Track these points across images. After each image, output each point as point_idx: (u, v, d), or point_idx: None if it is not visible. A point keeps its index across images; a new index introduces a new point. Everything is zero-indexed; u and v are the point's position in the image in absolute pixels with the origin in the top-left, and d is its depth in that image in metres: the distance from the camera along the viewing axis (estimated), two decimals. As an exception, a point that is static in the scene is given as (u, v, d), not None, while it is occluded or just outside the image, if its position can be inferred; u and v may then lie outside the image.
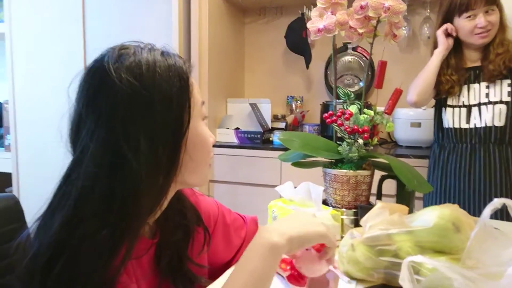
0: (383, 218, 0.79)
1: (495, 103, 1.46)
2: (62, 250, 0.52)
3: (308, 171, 1.10)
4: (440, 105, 1.58)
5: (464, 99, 1.51)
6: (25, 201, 2.32)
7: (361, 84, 2.28)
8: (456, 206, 0.75)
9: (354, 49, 2.26)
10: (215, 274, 0.81)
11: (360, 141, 0.97)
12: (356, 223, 1.00)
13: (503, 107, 1.45)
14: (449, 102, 1.53)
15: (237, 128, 2.19)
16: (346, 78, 2.29)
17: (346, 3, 0.99)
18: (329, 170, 1.02)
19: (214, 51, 2.14)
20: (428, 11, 2.15)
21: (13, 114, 2.35)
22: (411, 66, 2.26)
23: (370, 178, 1.02)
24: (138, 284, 0.62)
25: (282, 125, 2.26)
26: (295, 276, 0.61)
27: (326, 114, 1.01)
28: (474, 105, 1.49)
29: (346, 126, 0.99)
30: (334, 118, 1.00)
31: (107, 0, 2.12)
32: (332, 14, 0.98)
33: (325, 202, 1.06)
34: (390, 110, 1.01)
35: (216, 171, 2.07)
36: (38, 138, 2.32)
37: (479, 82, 1.50)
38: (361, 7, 0.95)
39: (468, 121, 1.50)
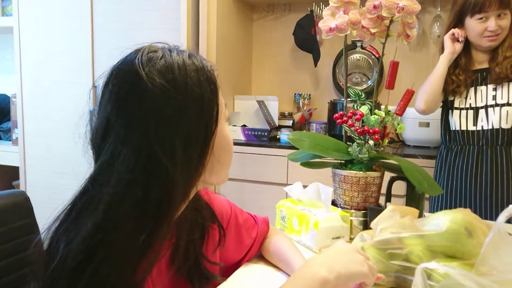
0: (394, 221, 0.78)
1: (502, 105, 1.46)
2: (93, 255, 0.51)
3: (315, 170, 1.10)
4: (447, 107, 1.58)
5: (471, 101, 1.50)
6: (32, 194, 2.32)
7: (370, 82, 2.26)
8: (468, 210, 0.75)
9: (363, 47, 2.25)
10: (224, 273, 0.82)
11: (371, 142, 0.96)
12: (365, 225, 0.99)
13: (510, 109, 1.45)
14: (456, 104, 1.52)
15: (244, 125, 2.18)
16: (355, 76, 2.28)
17: (359, 2, 0.98)
18: (338, 171, 1.01)
19: (222, 48, 2.13)
20: (439, 9, 2.13)
21: (21, 107, 2.36)
22: (421, 65, 2.24)
23: (380, 179, 1.01)
24: (153, 284, 0.62)
25: (289, 122, 2.25)
26: None
27: (336, 115, 1.00)
28: (481, 108, 1.48)
29: (357, 127, 0.98)
30: (345, 118, 0.99)
31: (115, -5, 2.12)
32: (344, 13, 0.97)
33: (334, 203, 1.06)
34: (401, 112, 1.00)
35: (222, 168, 2.07)
36: (46, 132, 2.32)
37: (486, 85, 1.49)
38: (374, 7, 0.94)
39: (475, 124, 1.49)
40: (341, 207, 1.03)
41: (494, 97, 1.47)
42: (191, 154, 0.57)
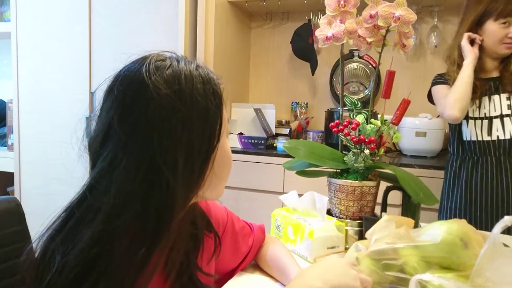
0: (389, 231, 0.77)
1: None
2: (91, 268, 0.50)
3: (311, 178, 1.09)
4: None
5: (485, 110, 1.47)
6: (27, 200, 2.34)
7: (367, 91, 2.26)
8: (464, 221, 0.74)
9: (360, 56, 2.26)
10: (219, 281, 0.81)
11: (367, 151, 0.96)
12: (361, 234, 0.98)
13: None
14: (469, 114, 1.49)
15: (241, 133, 2.18)
16: (352, 85, 2.28)
17: (355, 12, 0.98)
18: (334, 180, 1.00)
19: (219, 55, 2.13)
20: (436, 20, 2.14)
21: (17, 113, 2.35)
22: (418, 75, 2.25)
23: (375, 189, 1.00)
24: None
25: (286, 131, 2.25)
26: None
27: (332, 124, 0.99)
28: (496, 117, 1.46)
29: (353, 136, 0.97)
30: (341, 127, 0.98)
31: (113, 0, 2.12)
32: (341, 22, 0.97)
33: (329, 212, 1.05)
34: (397, 121, 1.00)
35: (218, 176, 2.06)
36: (41, 137, 2.31)
37: (499, 94, 1.47)
38: (371, 16, 0.94)
39: (490, 133, 1.46)
40: (336, 217, 1.02)
41: (509, 106, 1.44)
42: (193, 167, 0.57)
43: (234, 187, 2.02)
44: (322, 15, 1.00)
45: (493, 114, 1.47)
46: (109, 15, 2.14)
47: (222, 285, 0.79)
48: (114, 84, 0.58)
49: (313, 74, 2.28)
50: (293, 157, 1.04)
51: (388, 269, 0.72)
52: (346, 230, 0.98)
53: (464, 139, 1.52)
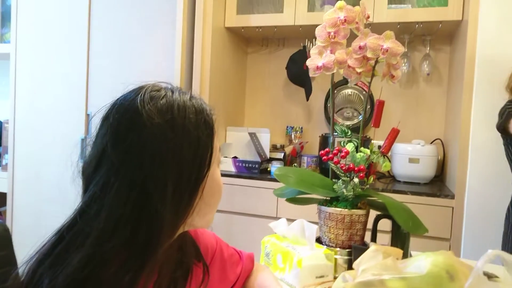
0: (376, 261, 0.77)
1: None
2: None
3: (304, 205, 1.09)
4: None
5: None
6: (18, 219, 2.32)
7: (361, 117, 2.29)
8: (450, 252, 0.74)
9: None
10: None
11: (356, 179, 0.97)
12: (350, 264, 0.98)
13: None
14: None
15: (235, 157, 2.18)
16: (346, 111, 2.31)
17: (345, 43, 1.00)
18: (324, 208, 1.00)
19: (215, 79, 2.16)
20: (428, 48, 2.19)
21: (13, 133, 2.36)
22: (411, 101, 2.28)
23: (365, 217, 1.00)
24: None
25: (280, 155, 2.26)
26: None
27: (322, 152, 1.00)
28: None
29: (342, 164, 0.98)
30: (331, 155, 0.99)
31: (113, 25, 2.16)
32: (331, 53, 0.99)
33: (319, 240, 1.05)
34: (387, 150, 1.01)
35: (212, 199, 2.05)
36: (36, 157, 2.31)
37: None
38: (360, 47, 0.96)
39: None
40: (326, 245, 1.02)
41: None
42: (182, 195, 0.58)
43: (227, 211, 2.01)
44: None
45: None
46: (107, 40, 2.17)
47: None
48: (110, 111, 0.60)
49: (307, 99, 2.31)
50: (285, 184, 1.05)
51: (375, 301, 0.72)
52: (336, 259, 0.98)
53: None
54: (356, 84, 2.28)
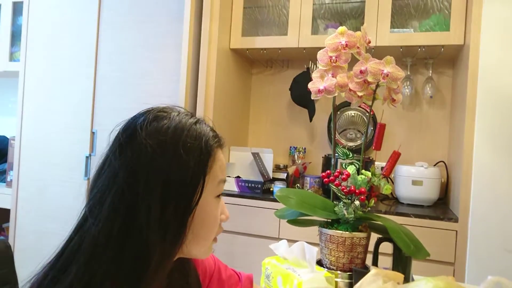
0: (376, 285, 0.77)
1: None
2: None
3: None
4: None
5: None
6: (20, 237, 2.32)
7: (364, 138, 2.29)
8: (451, 278, 0.74)
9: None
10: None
11: (357, 202, 0.97)
12: (351, 287, 0.97)
13: None
14: None
15: (238, 177, 2.19)
16: (349, 132, 2.32)
17: (346, 67, 1.02)
18: (325, 230, 1.00)
19: (219, 99, 2.19)
20: (430, 71, 2.21)
21: (18, 150, 2.38)
22: (414, 124, 2.29)
23: (366, 240, 1.00)
24: None
25: (283, 175, 2.26)
26: None
27: (323, 174, 1.01)
28: None
29: (343, 186, 0.99)
30: (332, 178, 1.00)
31: (119, 46, 2.21)
32: (332, 76, 1.01)
33: (320, 263, 1.04)
34: (388, 173, 1.01)
35: (214, 219, 2.05)
36: (39, 175, 2.33)
37: None
38: (361, 72, 0.98)
39: None
40: (327, 267, 1.01)
41: None
42: (169, 220, 0.56)
43: (229, 231, 2.01)
44: (320, 64, 1.03)
45: None
46: (114, 61, 2.22)
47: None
48: (120, 126, 0.63)
49: (311, 120, 2.32)
50: (286, 205, 1.05)
51: (375, 326, 0.71)
52: (336, 282, 0.97)
53: None
54: (359, 106, 2.30)
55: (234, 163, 2.29)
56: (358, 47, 0.99)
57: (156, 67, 2.14)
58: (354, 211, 0.97)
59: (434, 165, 2.15)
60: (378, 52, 2.03)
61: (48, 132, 2.33)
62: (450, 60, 2.21)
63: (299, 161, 2.39)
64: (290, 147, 2.49)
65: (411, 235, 0.99)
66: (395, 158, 1.02)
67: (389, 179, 2.12)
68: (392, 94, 0.99)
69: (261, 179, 2.13)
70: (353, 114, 2.32)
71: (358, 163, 1.05)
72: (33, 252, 2.27)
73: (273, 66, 2.57)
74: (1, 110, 3.06)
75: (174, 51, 2.10)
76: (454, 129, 2.07)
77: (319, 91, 1.01)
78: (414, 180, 1.99)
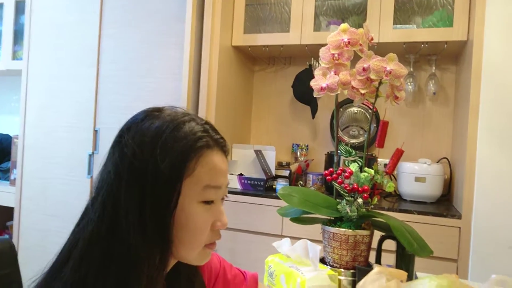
0: (379, 284, 0.77)
1: None
2: None
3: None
4: None
5: None
6: (24, 236, 2.33)
7: (367, 135, 2.29)
8: (454, 276, 0.73)
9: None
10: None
11: (360, 200, 0.97)
12: (354, 285, 0.97)
13: None
14: None
15: (241, 174, 2.19)
16: (352, 129, 2.31)
17: (349, 64, 1.01)
18: (328, 228, 1.00)
19: (222, 97, 2.19)
20: (434, 68, 2.20)
21: (22, 148, 2.39)
22: (417, 120, 2.28)
23: (369, 238, 1.00)
24: None
25: (286, 172, 2.26)
26: None
27: (326, 172, 1.01)
28: None
29: (346, 184, 0.98)
30: (334, 175, 0.99)
31: (122, 44, 2.21)
32: (335, 74, 1.00)
33: (323, 261, 1.04)
34: (391, 170, 1.01)
35: (217, 217, 2.05)
36: (43, 174, 2.34)
37: None
38: (364, 69, 0.98)
39: None
40: (330, 265, 1.01)
41: None
42: (148, 223, 0.55)
43: (231, 229, 2.01)
44: (323, 61, 1.03)
45: None
46: (116, 59, 2.22)
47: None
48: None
49: (313, 117, 2.32)
50: (289, 203, 1.05)
51: (378, 325, 0.71)
52: (340, 280, 0.97)
53: None
54: (362, 103, 2.29)
55: (237, 161, 2.29)
56: (360, 45, 0.98)
57: (159, 65, 2.14)
58: (357, 209, 0.97)
59: (437, 162, 2.14)
60: (381, 49, 2.02)
61: (51, 130, 2.33)
62: (453, 56, 2.19)
63: (302, 159, 2.39)
64: (293, 144, 2.49)
65: (415, 233, 0.99)
66: (398, 156, 1.02)
67: (392, 176, 2.11)
68: (395, 92, 0.99)
69: (263, 176, 2.13)
70: (356, 111, 2.31)
71: (361, 160, 1.05)
72: (37, 250, 2.28)
73: (275, 64, 2.56)
74: (4, 109, 3.07)
75: (176, 49, 2.10)
76: (458, 126, 2.06)
77: (322, 89, 1.01)
78: (417, 176, 1.98)
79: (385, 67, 0.95)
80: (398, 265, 1.01)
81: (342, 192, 1.00)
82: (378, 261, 1.04)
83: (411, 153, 2.21)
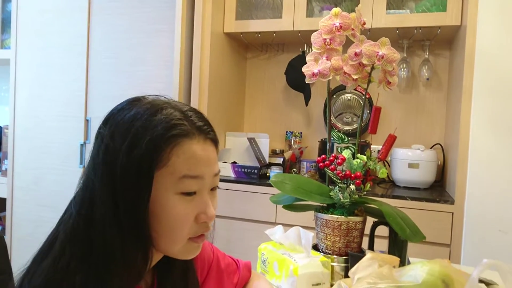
0: (372, 270, 0.76)
1: None
2: None
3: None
4: None
5: None
6: (17, 226, 2.31)
7: (359, 121, 2.28)
8: (447, 261, 0.73)
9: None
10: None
11: (352, 186, 0.96)
12: (347, 271, 0.97)
13: None
14: None
15: (234, 162, 2.18)
16: (345, 116, 2.30)
17: (341, 49, 1.00)
18: (320, 215, 1.00)
19: (214, 85, 2.16)
20: (427, 53, 2.19)
21: (12, 139, 2.36)
22: (411, 106, 2.28)
23: (362, 224, 1.00)
24: None
25: (280, 160, 2.25)
26: None
27: (318, 158, 1.00)
28: None
29: (339, 171, 0.98)
30: (327, 162, 0.99)
31: (112, 33, 2.17)
32: (327, 59, 0.99)
33: (316, 247, 1.04)
34: (383, 156, 1.00)
35: (211, 205, 2.05)
36: (35, 164, 2.31)
37: None
38: (356, 54, 0.96)
39: None
40: (323, 252, 1.01)
41: None
42: (122, 215, 0.54)
43: (225, 217, 2.01)
44: (315, 48, 1.01)
45: None
46: (107, 47, 2.18)
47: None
48: None
49: (306, 104, 2.31)
50: (282, 190, 1.04)
51: (370, 310, 0.71)
52: (332, 266, 0.97)
53: None
54: (355, 89, 2.28)
55: (230, 149, 2.28)
56: (352, 29, 0.97)
57: (150, 53, 2.11)
58: (349, 195, 0.96)
59: (431, 148, 2.14)
60: (374, 34, 2.00)
61: (42, 120, 2.30)
62: (447, 41, 2.18)
63: (296, 146, 2.39)
64: (286, 131, 2.48)
65: (407, 218, 0.99)
66: (390, 142, 1.01)
67: (385, 162, 2.11)
68: (387, 77, 0.98)
69: (257, 164, 2.13)
70: (349, 98, 2.30)
71: (354, 147, 1.04)
72: (30, 241, 2.27)
73: (268, 50, 2.53)
74: (-7, 99, 3.02)
75: (167, 37, 2.07)
76: (451, 112, 2.06)
77: (313, 74, 0.99)
78: (410, 163, 1.98)
79: (378, 52, 0.93)
80: (391, 251, 1.01)
81: (334, 178, 0.99)
82: (371, 247, 1.04)
83: (405, 139, 2.21)
